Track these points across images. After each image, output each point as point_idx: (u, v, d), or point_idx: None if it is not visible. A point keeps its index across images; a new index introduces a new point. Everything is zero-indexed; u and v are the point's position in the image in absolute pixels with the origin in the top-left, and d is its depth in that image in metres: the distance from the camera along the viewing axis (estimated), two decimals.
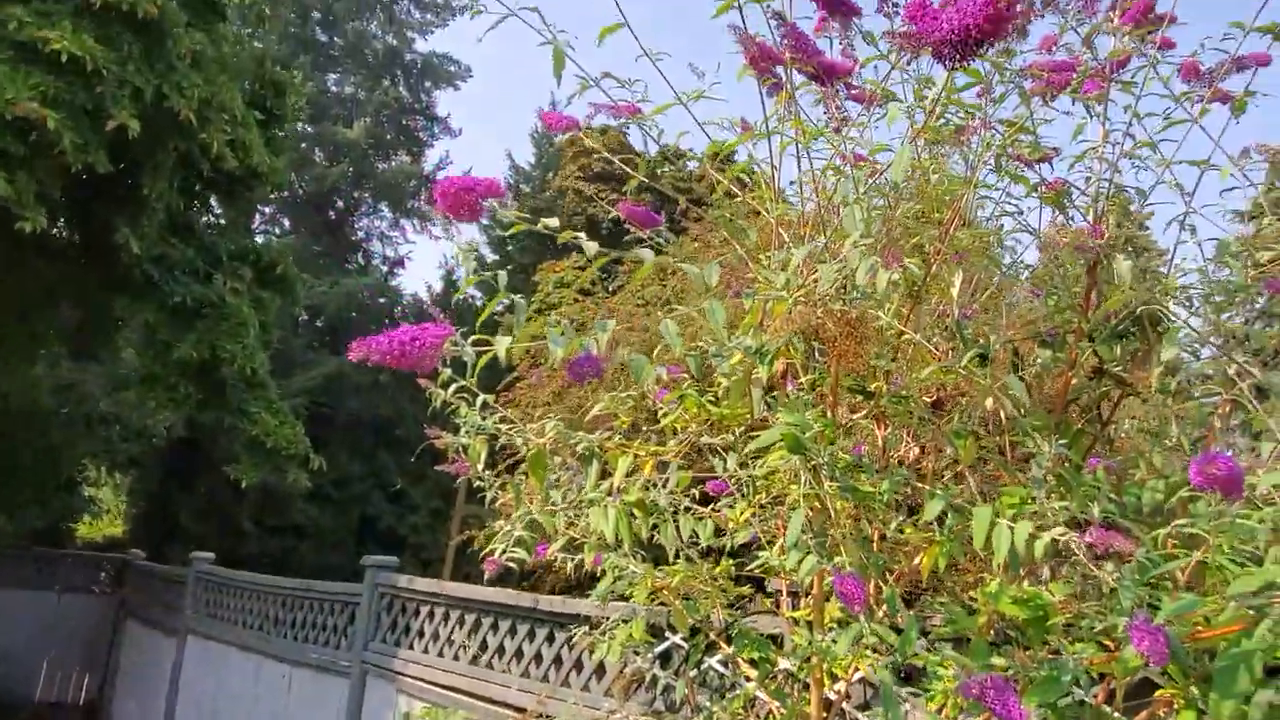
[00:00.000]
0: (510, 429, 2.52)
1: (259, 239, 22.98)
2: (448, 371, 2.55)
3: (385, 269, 27.38)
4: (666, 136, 2.65)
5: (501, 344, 1.42)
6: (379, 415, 21.56)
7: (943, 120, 2.44)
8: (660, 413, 2.56)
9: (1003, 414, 2.66)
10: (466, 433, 2.56)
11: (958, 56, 1.30)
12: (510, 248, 24.75)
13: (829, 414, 2.30)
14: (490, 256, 25.03)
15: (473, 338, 1.44)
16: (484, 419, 2.57)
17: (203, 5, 8.56)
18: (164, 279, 9.19)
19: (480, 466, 2.58)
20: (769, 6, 2.44)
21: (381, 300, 25.26)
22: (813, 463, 2.00)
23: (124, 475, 19.55)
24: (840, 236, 1.67)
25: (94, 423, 12.88)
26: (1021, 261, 3.21)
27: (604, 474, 2.44)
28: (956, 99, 1.92)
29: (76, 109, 7.34)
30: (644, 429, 2.38)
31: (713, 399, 2.43)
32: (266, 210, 24.55)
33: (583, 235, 1.68)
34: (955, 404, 2.70)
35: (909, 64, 1.80)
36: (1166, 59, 2.56)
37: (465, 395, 2.57)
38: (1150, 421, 2.63)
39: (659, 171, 2.55)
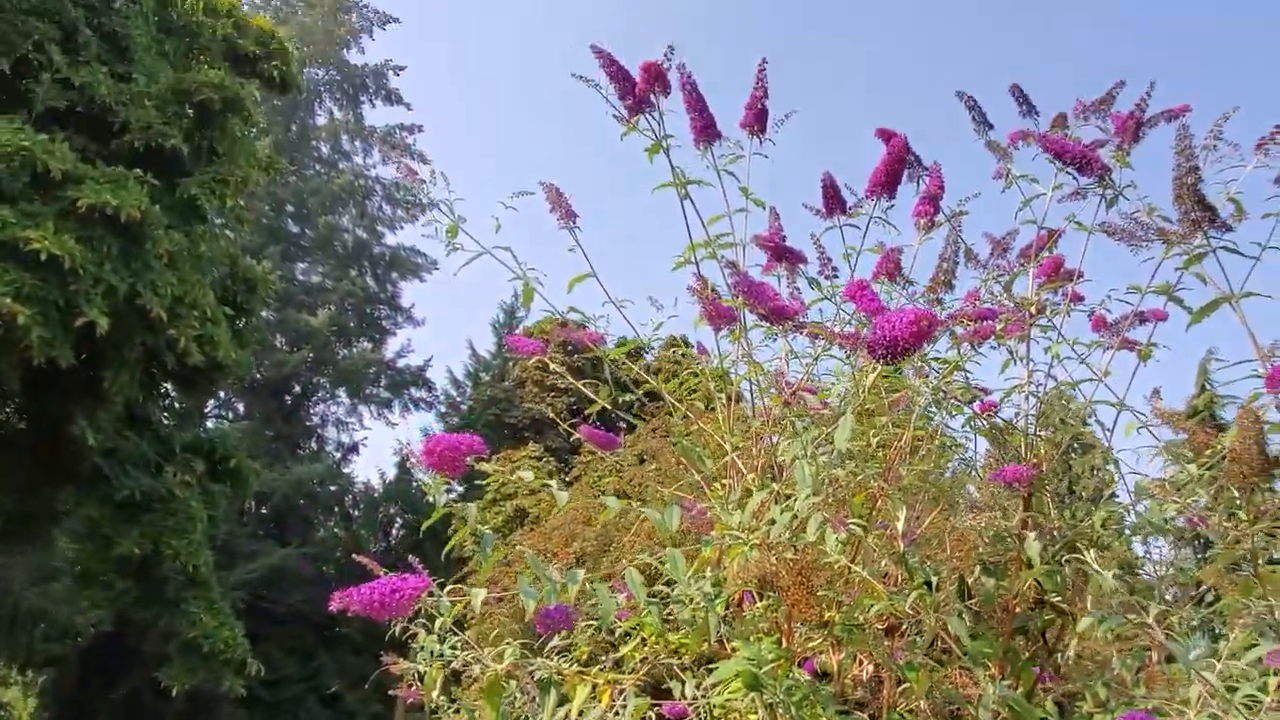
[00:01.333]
0: (467, 654, 2.55)
1: (211, 424, 22.91)
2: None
3: (338, 455, 27.16)
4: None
5: (477, 596, 1.51)
6: (321, 611, 20.70)
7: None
8: (619, 639, 2.60)
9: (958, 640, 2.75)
10: (423, 660, 2.57)
11: (887, 358, 1.50)
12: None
13: (784, 642, 2.37)
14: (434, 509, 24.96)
15: (448, 588, 1.52)
16: (441, 643, 2.59)
17: (185, 208, 8.99)
18: (114, 472, 9.09)
19: (435, 693, 2.58)
20: (723, 256, 2.72)
21: (332, 488, 24.90)
22: (768, 699, 2.05)
23: (38, 674, 18.28)
24: (790, 485, 1.82)
25: (19, 621, 12.20)
26: (966, 485, 3.40)
27: (562, 701, 2.46)
28: (891, 377, 2.13)
29: (49, 304, 7.52)
30: (602, 658, 2.42)
31: (672, 625, 2.50)
32: (221, 394, 24.57)
33: (554, 483, 1.80)
34: (907, 630, 2.79)
35: (848, 358, 2.02)
36: (1078, 309, 2.88)
37: (424, 621, 2.60)
38: (1095, 653, 2.73)
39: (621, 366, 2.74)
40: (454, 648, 2.60)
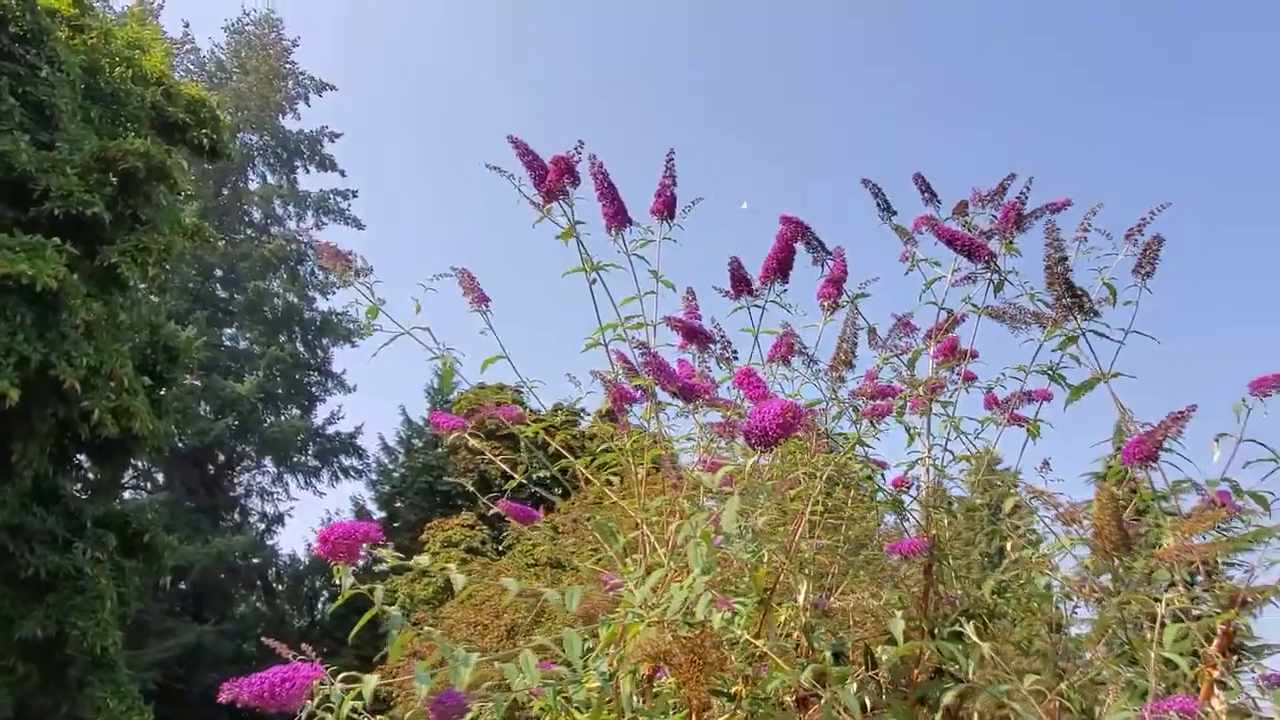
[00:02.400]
0: None
1: (128, 494, 22.07)
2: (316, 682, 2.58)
3: (262, 527, 26.33)
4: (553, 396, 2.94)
5: (369, 684, 1.54)
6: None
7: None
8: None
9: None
10: None
11: (761, 447, 1.61)
12: (399, 504, 24.33)
13: (694, 717, 2.42)
14: (378, 514, 24.48)
15: (341, 675, 1.55)
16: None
17: (105, 276, 8.84)
18: (19, 549, 8.70)
19: None
20: (633, 336, 2.83)
21: (255, 560, 24.09)
22: None
23: None
24: (683, 565, 1.90)
25: None
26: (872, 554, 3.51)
27: None
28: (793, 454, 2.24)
29: None
30: None
31: (581, 706, 2.52)
32: (139, 465, 23.75)
33: (453, 567, 1.85)
34: (817, 701, 2.85)
35: (727, 445, 2.12)
36: (972, 387, 3.05)
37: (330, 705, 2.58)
38: None
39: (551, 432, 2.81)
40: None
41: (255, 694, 1.40)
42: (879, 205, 3.09)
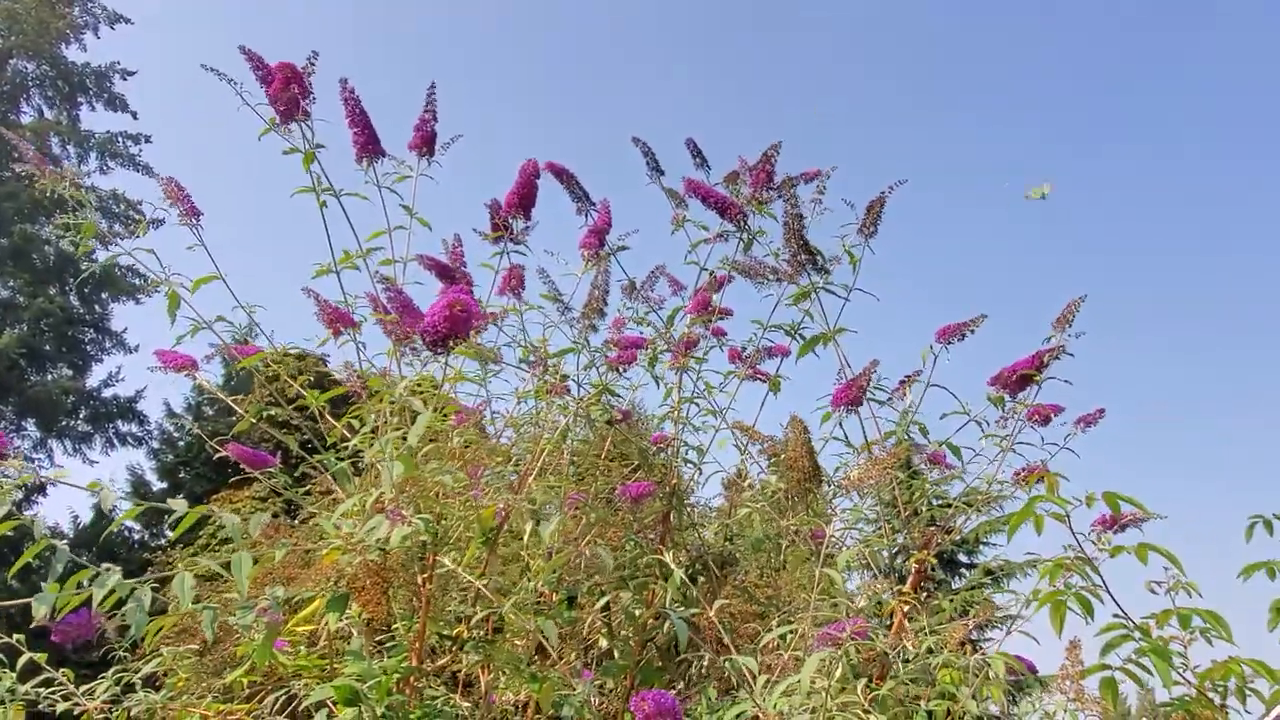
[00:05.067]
0: (53, 692, 2.30)
1: None
2: None
3: (20, 496, 23.81)
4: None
5: (42, 601, 1.37)
6: None
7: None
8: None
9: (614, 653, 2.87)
10: None
11: (436, 347, 1.55)
12: (184, 475, 22.66)
13: (414, 660, 2.35)
14: (158, 485, 22.70)
15: None
16: (23, 682, 2.33)
17: None
18: None
19: None
20: (378, 272, 2.71)
21: (9, 533, 21.77)
22: (368, 714, 2.02)
23: None
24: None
25: None
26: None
27: None
28: (460, 376, 2.20)
29: None
30: (208, 684, 2.28)
31: (291, 651, 2.40)
32: None
33: (182, 502, 1.69)
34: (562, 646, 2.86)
35: (404, 354, 2.07)
36: (723, 343, 3.14)
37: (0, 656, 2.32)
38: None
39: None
40: (42, 685, 2.34)
41: None
42: (648, 165, 3.12)
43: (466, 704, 2.71)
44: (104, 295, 26.25)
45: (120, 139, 28.26)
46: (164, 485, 22.66)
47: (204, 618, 1.46)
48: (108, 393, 25.37)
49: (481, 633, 2.60)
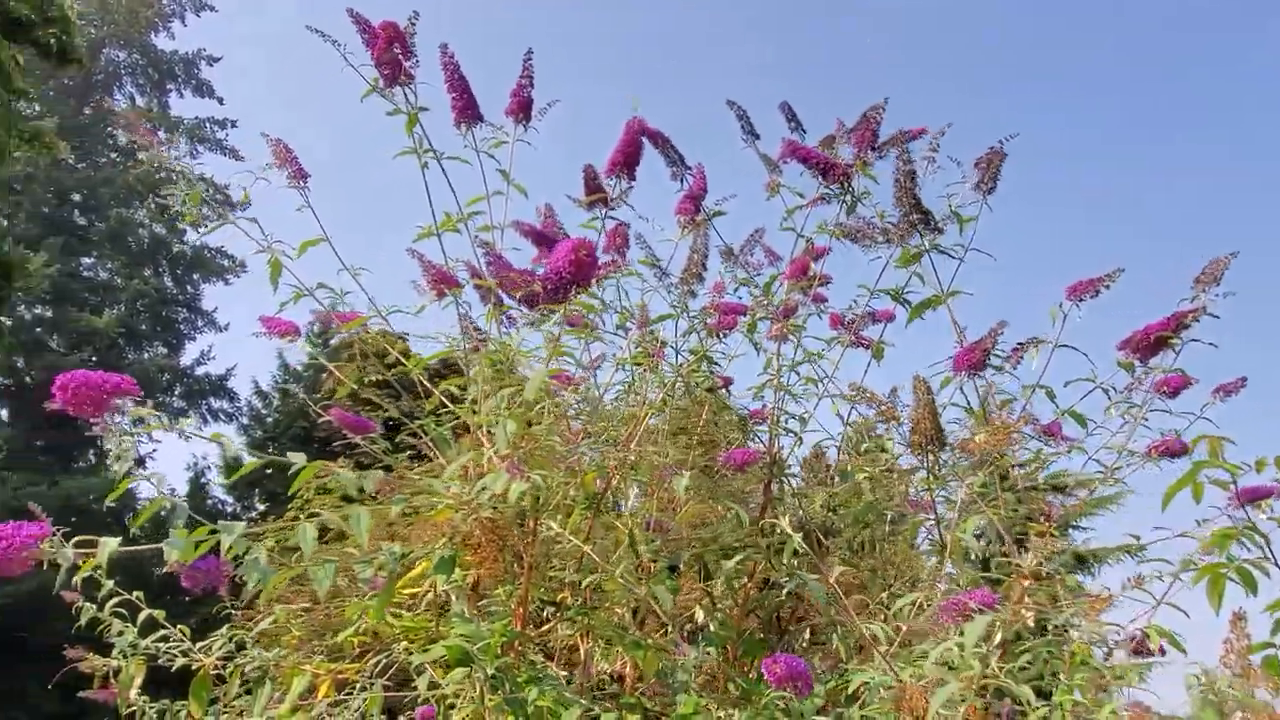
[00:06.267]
0: (171, 648, 2.36)
1: None
2: (108, 583, 2.38)
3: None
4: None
5: (105, 547, 1.39)
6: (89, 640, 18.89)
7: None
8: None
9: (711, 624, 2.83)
10: (120, 654, 2.36)
11: (557, 295, 1.52)
12: (272, 450, 23.40)
13: (516, 624, 2.34)
14: (249, 459, 23.51)
15: (77, 538, 1.39)
16: (143, 635, 2.39)
17: None
18: None
19: (133, 693, 2.37)
20: (477, 237, 2.70)
21: (110, 504, 22.86)
22: (479, 675, 2.01)
23: None
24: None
25: None
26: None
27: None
28: (566, 349, 2.17)
29: None
30: (317, 644, 2.31)
31: (399, 611, 2.41)
32: None
33: (302, 456, 1.70)
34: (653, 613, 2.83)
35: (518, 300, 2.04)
36: (823, 310, 3.05)
37: (122, 611, 2.39)
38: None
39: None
40: (160, 640, 2.41)
41: None
42: (743, 129, 3.03)
43: (563, 672, 2.70)
44: (195, 276, 27.24)
45: (207, 124, 29.20)
46: (254, 459, 23.46)
47: (321, 571, 1.45)
48: (200, 370, 26.39)
49: (579, 600, 2.58)
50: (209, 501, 22.27)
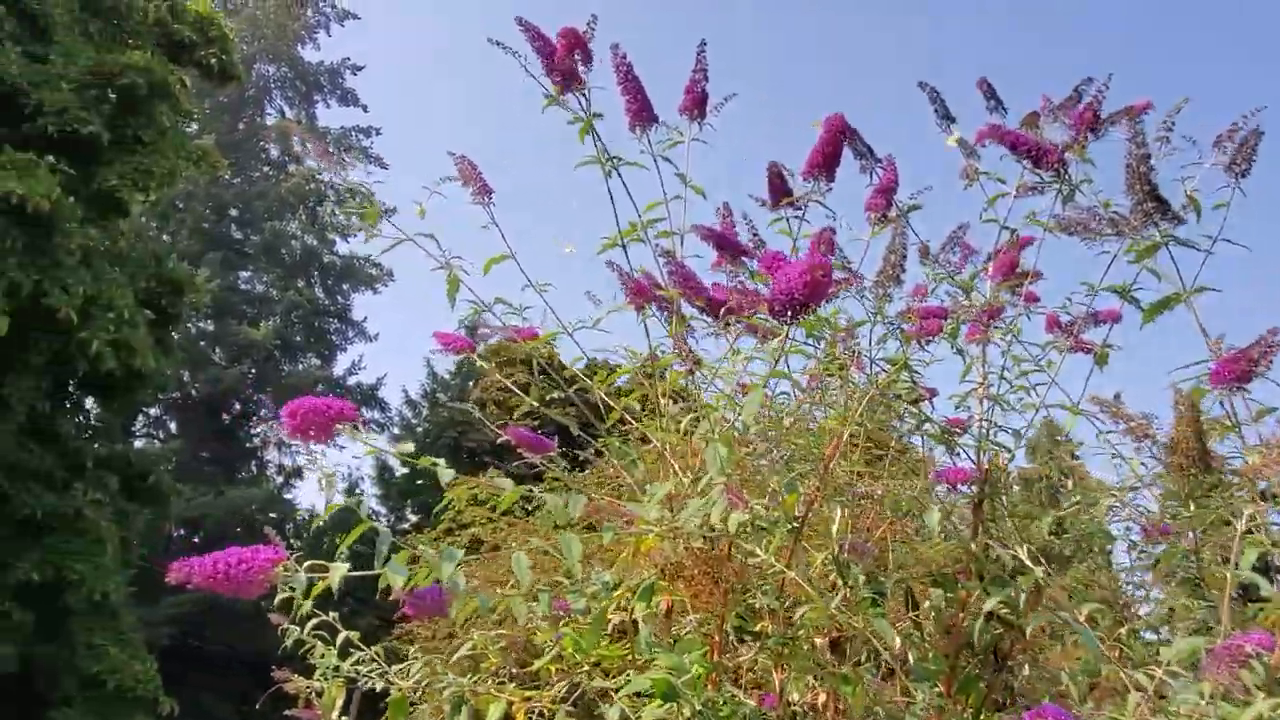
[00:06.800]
0: (371, 671, 2.53)
1: (140, 443, 22.55)
2: (307, 604, 2.58)
3: (280, 480, 26.86)
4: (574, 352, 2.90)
5: (337, 571, 1.51)
6: (256, 649, 20.36)
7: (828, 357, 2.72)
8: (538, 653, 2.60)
9: (909, 657, 2.78)
10: (322, 675, 2.55)
11: (787, 315, 1.53)
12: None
13: (714, 656, 2.37)
14: (401, 470, 24.85)
15: (308, 563, 1.52)
16: (343, 658, 2.57)
17: (103, 200, 8.91)
18: (15, 489, 8.89)
19: (335, 715, 2.55)
20: (658, 245, 2.75)
21: (272, 515, 24.60)
22: (687, 712, 2.06)
23: None
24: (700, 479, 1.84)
25: None
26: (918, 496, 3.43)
27: None
28: (799, 348, 2.17)
29: None
30: (516, 672, 2.42)
31: (567, 623, 2.49)
32: (151, 413, 24.24)
33: (442, 461, 1.81)
34: (852, 645, 2.80)
35: (750, 316, 2.06)
36: (1035, 310, 2.94)
37: (323, 633, 2.58)
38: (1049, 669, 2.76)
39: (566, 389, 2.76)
40: (359, 663, 2.58)
41: (208, 575, 1.37)
42: (937, 112, 2.96)
43: (751, 702, 2.71)
44: (345, 286, 29.04)
45: (353, 133, 31.05)
46: (405, 470, 24.80)
47: (525, 606, 1.53)
48: (352, 380, 28.10)
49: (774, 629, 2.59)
50: (365, 514, 23.57)
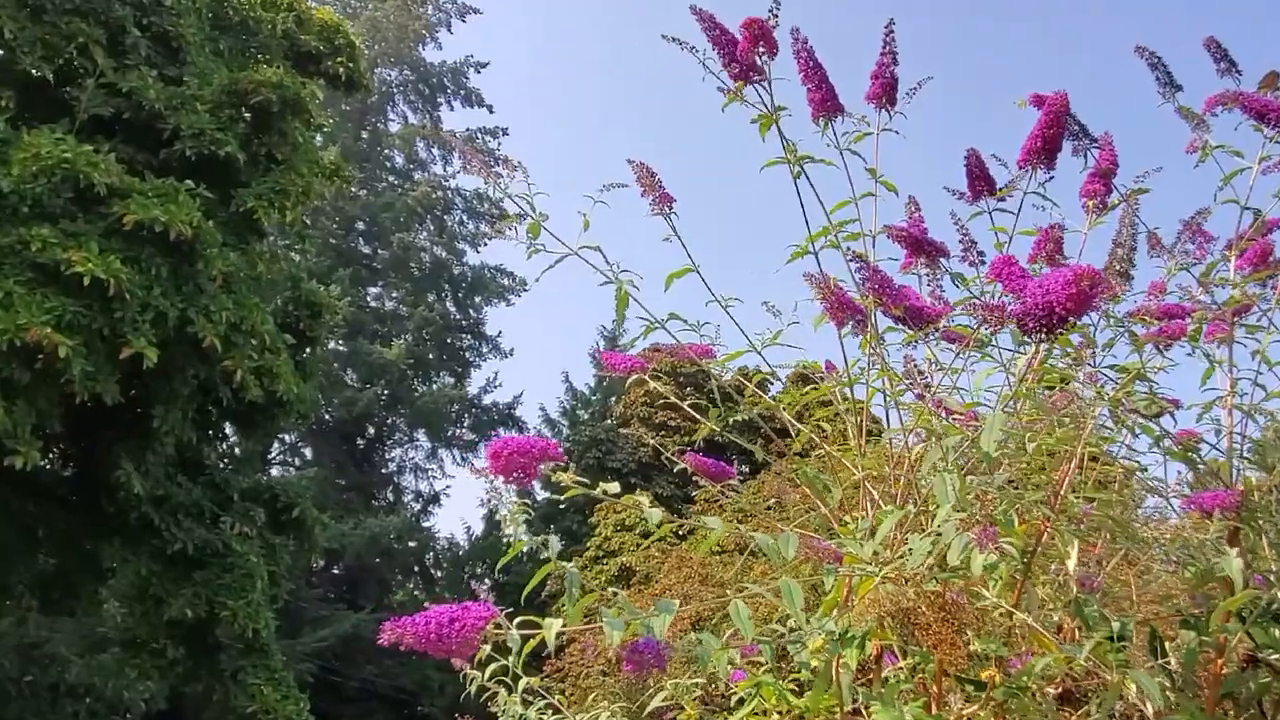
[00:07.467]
0: (553, 717, 2.61)
1: (275, 471, 23.85)
2: (486, 648, 2.69)
3: (418, 507, 27.90)
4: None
5: (551, 627, 1.57)
6: (399, 686, 21.22)
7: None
8: (734, 701, 2.61)
9: (1149, 709, 2.66)
10: None
11: (1043, 330, 1.50)
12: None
13: (933, 707, 2.34)
14: (543, 494, 25.39)
15: (519, 619, 1.59)
16: (525, 707, 2.66)
17: (241, 223, 9.52)
18: (165, 523, 9.58)
19: None
20: (849, 249, 2.73)
21: (411, 544, 25.59)
22: None
23: None
24: (931, 504, 1.82)
25: (61, 694, 12.87)
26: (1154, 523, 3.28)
27: None
28: (1050, 367, 2.12)
29: (93, 334, 8.05)
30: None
31: (794, 687, 2.49)
32: (287, 438, 25.61)
33: (644, 500, 1.86)
34: (1087, 695, 2.70)
35: (992, 335, 2.03)
36: None
37: (504, 679, 2.68)
38: None
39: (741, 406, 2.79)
40: (542, 711, 2.67)
41: (420, 635, 1.45)
42: (1159, 80, 2.84)
43: None
44: (477, 299, 29.98)
45: (479, 135, 32.01)
46: (545, 493, 25.33)
47: (764, 651, 1.55)
48: (487, 399, 28.97)
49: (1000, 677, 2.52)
50: (504, 540, 24.23)
